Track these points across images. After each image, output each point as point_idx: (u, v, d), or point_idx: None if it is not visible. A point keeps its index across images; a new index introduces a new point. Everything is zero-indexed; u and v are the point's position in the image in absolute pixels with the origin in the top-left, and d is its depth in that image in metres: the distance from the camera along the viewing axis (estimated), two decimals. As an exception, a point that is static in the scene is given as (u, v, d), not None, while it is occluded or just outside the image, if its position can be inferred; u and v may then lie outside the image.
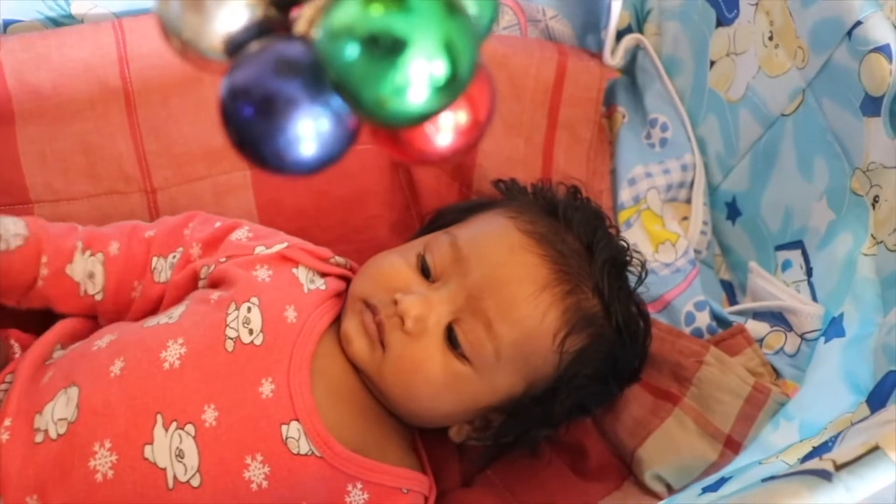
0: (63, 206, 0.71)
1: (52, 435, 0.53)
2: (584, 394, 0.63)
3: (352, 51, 0.29)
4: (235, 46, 0.34)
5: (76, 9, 0.73)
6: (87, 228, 0.65)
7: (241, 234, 0.65)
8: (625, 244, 0.68)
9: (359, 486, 0.56)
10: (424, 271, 0.61)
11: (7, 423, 0.54)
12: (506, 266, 0.60)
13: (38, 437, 0.54)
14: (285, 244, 0.63)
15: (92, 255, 0.64)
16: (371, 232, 0.78)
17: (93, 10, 0.74)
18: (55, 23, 0.73)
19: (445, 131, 0.34)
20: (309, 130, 0.32)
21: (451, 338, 0.59)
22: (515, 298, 0.59)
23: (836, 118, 0.65)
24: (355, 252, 0.70)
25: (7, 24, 0.72)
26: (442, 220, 0.71)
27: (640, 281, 0.67)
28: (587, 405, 0.66)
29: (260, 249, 0.63)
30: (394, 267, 0.62)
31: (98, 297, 0.64)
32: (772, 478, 0.41)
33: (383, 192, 0.79)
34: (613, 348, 0.63)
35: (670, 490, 0.65)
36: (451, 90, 0.30)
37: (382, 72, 0.29)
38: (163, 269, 0.64)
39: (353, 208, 0.78)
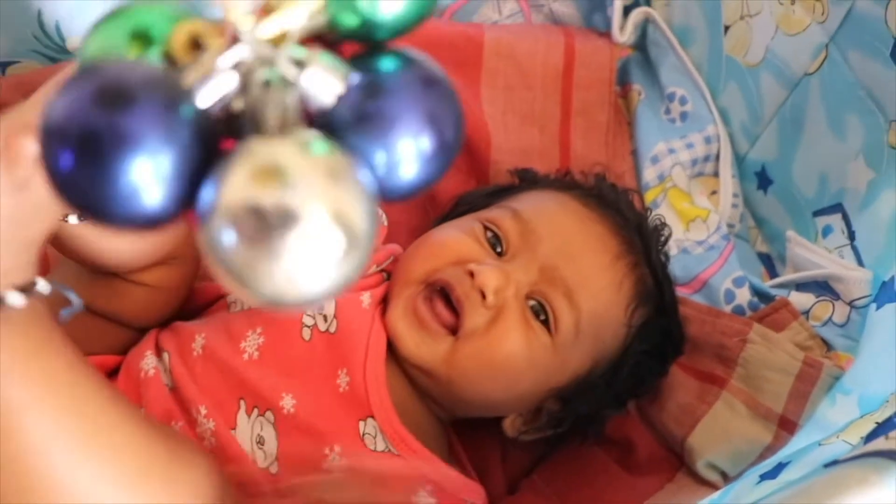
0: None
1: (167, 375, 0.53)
2: (642, 372, 0.63)
3: None
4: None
5: (72, 44, 0.72)
6: None
7: None
8: (661, 220, 0.68)
9: (428, 488, 0.54)
10: (491, 244, 0.58)
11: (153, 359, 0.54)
12: (578, 235, 0.59)
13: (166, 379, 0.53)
14: None
15: None
16: (391, 239, 0.76)
17: (88, 43, 0.73)
18: (52, 60, 0.72)
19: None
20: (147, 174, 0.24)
21: (533, 309, 0.56)
22: (594, 268, 0.58)
23: (865, 70, 0.63)
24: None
25: (4, 65, 0.72)
26: (462, 206, 0.68)
27: (667, 257, 0.67)
28: (644, 384, 0.65)
29: None
30: (459, 239, 0.58)
31: None
32: (834, 462, 0.38)
33: (400, 197, 0.77)
34: (666, 322, 0.63)
35: (726, 478, 0.62)
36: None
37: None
38: None
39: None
